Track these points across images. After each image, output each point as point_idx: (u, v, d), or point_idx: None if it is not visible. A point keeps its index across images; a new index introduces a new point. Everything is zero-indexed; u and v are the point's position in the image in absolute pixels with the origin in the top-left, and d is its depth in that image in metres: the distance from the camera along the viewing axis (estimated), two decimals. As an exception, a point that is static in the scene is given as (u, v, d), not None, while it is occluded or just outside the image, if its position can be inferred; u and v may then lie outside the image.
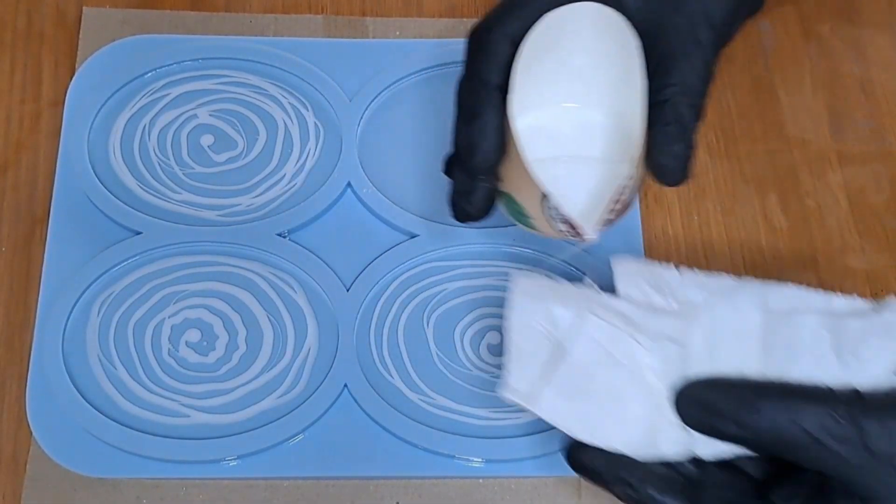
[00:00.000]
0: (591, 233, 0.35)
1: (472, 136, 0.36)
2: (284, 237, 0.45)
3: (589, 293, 0.37)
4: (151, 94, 0.47)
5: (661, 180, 0.35)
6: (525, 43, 0.35)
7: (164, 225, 0.44)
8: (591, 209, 0.37)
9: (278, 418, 0.41)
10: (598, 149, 0.38)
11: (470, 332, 0.43)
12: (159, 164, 0.46)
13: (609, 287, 0.37)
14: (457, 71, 0.49)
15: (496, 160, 0.36)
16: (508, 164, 0.36)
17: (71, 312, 0.43)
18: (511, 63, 0.36)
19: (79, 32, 0.49)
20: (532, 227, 0.38)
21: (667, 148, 0.35)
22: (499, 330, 0.43)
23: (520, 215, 0.38)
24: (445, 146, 0.47)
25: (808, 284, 0.46)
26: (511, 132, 0.35)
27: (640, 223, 0.46)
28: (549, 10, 0.35)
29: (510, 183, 0.37)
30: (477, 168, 0.36)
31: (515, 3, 0.36)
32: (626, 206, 0.37)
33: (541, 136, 0.38)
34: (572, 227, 0.35)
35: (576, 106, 0.39)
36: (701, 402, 0.34)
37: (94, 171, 0.45)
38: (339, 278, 0.44)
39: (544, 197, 0.35)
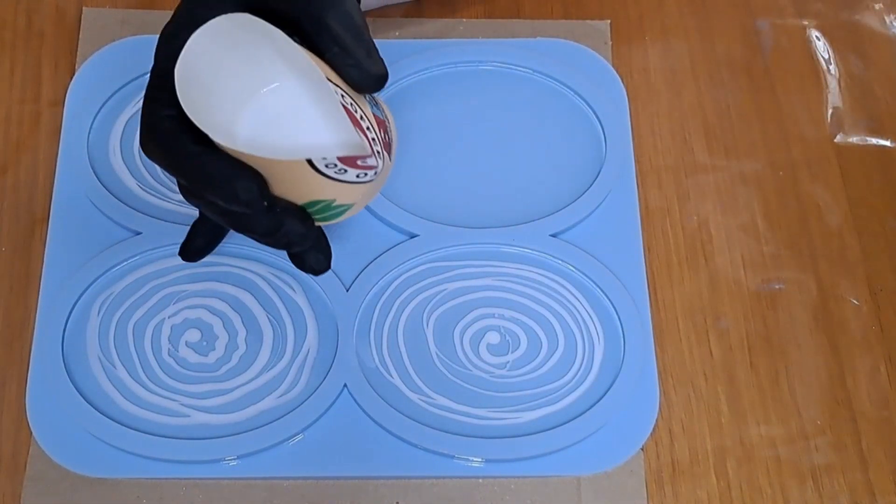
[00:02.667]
0: (365, 149, 0.34)
1: (221, 180, 0.32)
2: (284, 237, 0.45)
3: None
4: (151, 94, 0.47)
5: (363, 88, 0.35)
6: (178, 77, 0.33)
7: (164, 225, 0.44)
8: (341, 132, 0.35)
9: (278, 418, 0.41)
10: (306, 102, 0.36)
11: (470, 332, 0.43)
12: (159, 165, 0.46)
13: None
14: (457, 71, 0.49)
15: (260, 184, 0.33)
16: (274, 184, 0.34)
17: (71, 312, 0.43)
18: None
19: (79, 32, 0.49)
20: (344, 206, 0.36)
21: (345, 66, 0.35)
22: (499, 330, 0.44)
23: (330, 210, 0.36)
24: (445, 146, 0.47)
25: (808, 285, 0.46)
26: (235, 152, 0.33)
27: (639, 223, 0.46)
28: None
29: (291, 192, 0.35)
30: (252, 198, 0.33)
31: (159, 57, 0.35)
32: (382, 123, 0.37)
33: (263, 131, 0.36)
34: (354, 162, 0.34)
35: (270, 87, 0.36)
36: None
37: (94, 172, 0.45)
38: (339, 278, 0.44)
39: (314, 171, 0.33)
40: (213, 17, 0.34)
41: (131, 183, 0.45)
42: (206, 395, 0.42)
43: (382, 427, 0.41)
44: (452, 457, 0.41)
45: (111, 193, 0.45)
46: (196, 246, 0.41)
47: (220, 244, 0.44)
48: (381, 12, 0.51)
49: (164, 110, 0.33)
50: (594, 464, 0.42)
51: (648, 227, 0.47)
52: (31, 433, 0.41)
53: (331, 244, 0.45)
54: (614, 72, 0.50)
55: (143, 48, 0.48)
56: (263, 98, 0.36)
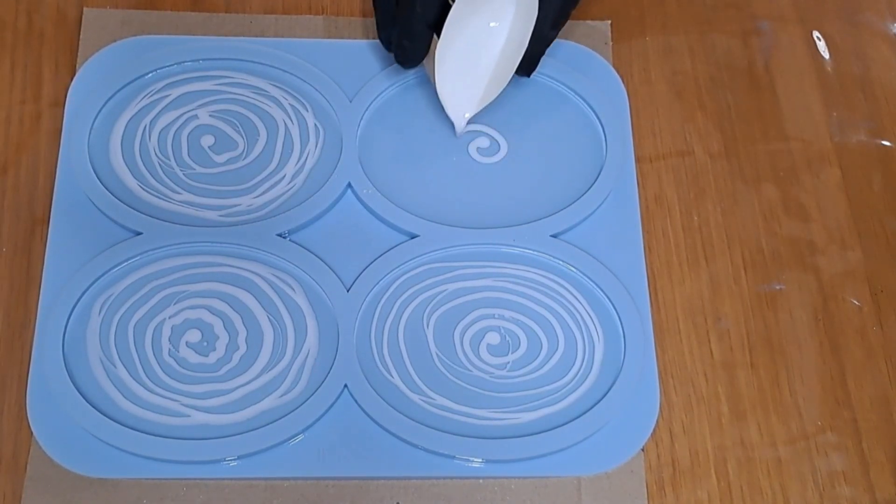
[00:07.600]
0: (458, 127, 0.46)
1: None
2: (285, 237, 0.45)
3: None
4: (152, 94, 0.47)
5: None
6: None
7: (164, 225, 0.44)
8: (466, 107, 0.46)
9: (278, 418, 0.41)
10: (498, 65, 0.46)
11: (470, 333, 0.43)
12: (160, 165, 0.46)
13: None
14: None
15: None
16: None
17: (71, 312, 0.43)
18: None
19: (79, 33, 0.49)
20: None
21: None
22: (498, 330, 0.44)
23: None
24: (445, 147, 0.47)
25: (808, 285, 0.46)
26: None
27: (639, 223, 0.46)
28: None
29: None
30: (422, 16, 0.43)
31: None
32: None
33: (463, 28, 0.44)
34: None
35: (496, 25, 0.45)
36: None
37: (95, 172, 0.45)
38: (340, 279, 0.44)
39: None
40: None
41: (132, 183, 0.45)
42: (206, 396, 0.42)
43: (382, 427, 0.41)
44: (452, 457, 0.41)
45: (111, 193, 0.45)
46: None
47: (221, 244, 0.44)
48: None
49: None
50: (594, 464, 0.42)
51: (649, 228, 0.47)
52: (31, 433, 0.41)
53: (331, 244, 0.45)
54: (614, 72, 0.50)
55: (143, 49, 0.48)
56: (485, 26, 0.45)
